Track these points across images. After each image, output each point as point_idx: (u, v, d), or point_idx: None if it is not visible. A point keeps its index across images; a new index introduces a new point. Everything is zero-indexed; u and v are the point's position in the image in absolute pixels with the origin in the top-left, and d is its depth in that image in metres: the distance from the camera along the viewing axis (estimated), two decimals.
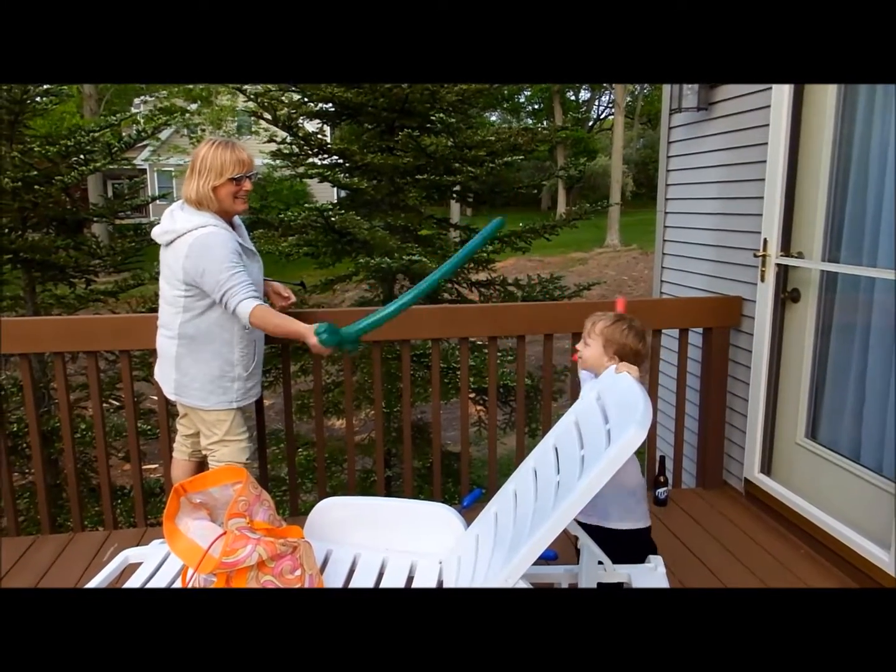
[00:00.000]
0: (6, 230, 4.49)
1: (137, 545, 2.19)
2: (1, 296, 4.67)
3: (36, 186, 4.46)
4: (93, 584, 1.74)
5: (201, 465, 2.58)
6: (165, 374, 2.40)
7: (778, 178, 2.69)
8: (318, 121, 5.27)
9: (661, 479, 2.92)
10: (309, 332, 2.14)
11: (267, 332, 2.34)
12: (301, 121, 4.95)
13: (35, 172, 4.45)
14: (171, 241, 2.24)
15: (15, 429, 4.15)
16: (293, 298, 2.61)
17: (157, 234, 2.30)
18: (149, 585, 1.76)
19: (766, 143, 2.75)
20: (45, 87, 4.70)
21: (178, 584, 1.69)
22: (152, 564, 1.85)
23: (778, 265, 2.75)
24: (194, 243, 2.19)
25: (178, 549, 1.58)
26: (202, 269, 2.18)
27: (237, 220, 2.42)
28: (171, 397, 2.42)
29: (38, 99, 4.67)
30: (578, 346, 2.06)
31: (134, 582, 1.77)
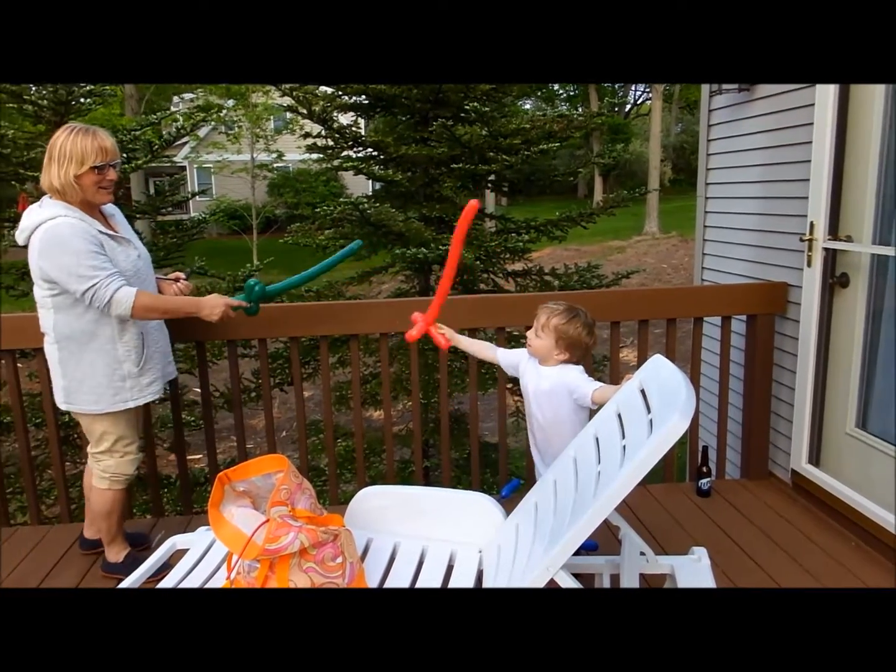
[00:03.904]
0: None
1: (184, 532, 2.24)
2: None
3: None
4: (142, 568, 1.79)
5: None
6: (55, 383, 2.26)
7: (825, 159, 2.61)
8: (352, 113, 5.29)
9: (704, 469, 2.86)
10: (209, 301, 2.21)
11: (157, 317, 2.19)
12: (335, 114, 4.98)
13: None
14: (28, 239, 2.11)
15: (66, 420, 4.27)
16: (182, 275, 2.51)
17: (17, 235, 2.16)
18: (195, 571, 1.80)
19: (812, 124, 2.67)
20: (88, 88, 4.81)
21: (223, 571, 1.73)
22: (199, 550, 1.90)
23: (825, 249, 2.66)
24: (44, 237, 2.05)
25: (222, 535, 1.61)
26: (58, 263, 2.04)
27: (111, 208, 2.29)
28: (62, 406, 2.26)
29: (81, 100, 4.78)
30: (529, 335, 2.11)
31: (181, 567, 1.82)
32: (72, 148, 2.07)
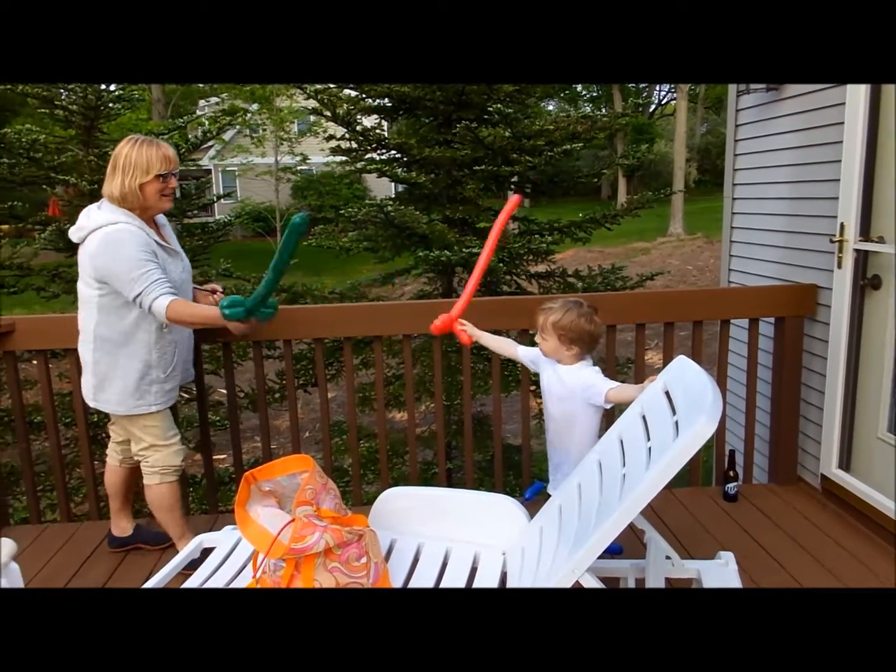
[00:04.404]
0: None
1: (210, 530, 2.27)
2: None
3: None
4: (170, 566, 1.81)
5: (134, 471, 2.52)
6: (85, 381, 2.33)
7: (856, 158, 2.56)
8: (375, 116, 5.31)
9: (731, 473, 2.83)
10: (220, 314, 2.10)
11: (187, 325, 2.27)
12: (359, 116, 5.01)
13: None
14: (83, 239, 2.19)
15: (95, 419, 4.35)
16: (219, 288, 2.57)
17: (72, 232, 2.24)
18: (221, 569, 1.82)
19: (843, 123, 2.63)
20: (117, 93, 4.89)
21: (249, 569, 1.74)
22: (225, 549, 1.91)
23: (856, 250, 2.62)
24: (103, 239, 2.13)
25: (249, 534, 1.62)
26: (112, 267, 2.12)
27: (162, 219, 2.37)
28: (90, 403, 2.35)
29: (110, 105, 4.86)
30: (536, 339, 2.15)
31: (207, 566, 1.83)
32: (137, 158, 2.16)
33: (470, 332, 2.29)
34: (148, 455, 2.35)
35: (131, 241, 2.14)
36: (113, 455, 2.54)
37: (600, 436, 2.03)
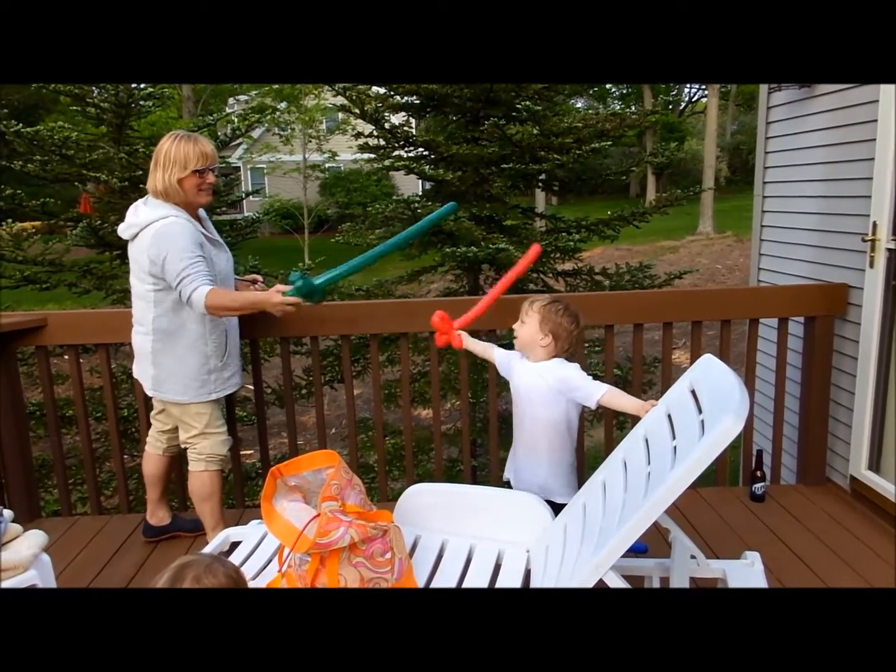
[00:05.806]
0: (115, 227, 4.79)
1: (237, 525, 2.30)
2: (112, 289, 5.00)
3: (141, 185, 4.73)
4: None
5: (174, 460, 2.62)
6: (143, 371, 2.40)
7: (889, 156, 2.51)
8: (403, 113, 5.33)
9: (758, 473, 2.79)
10: (269, 296, 2.19)
11: (226, 312, 2.30)
12: (387, 114, 5.03)
13: (140, 172, 4.72)
14: (135, 235, 2.25)
15: (125, 414, 4.44)
16: (260, 278, 2.60)
17: (121, 229, 2.31)
18: (248, 563, 1.85)
19: (876, 121, 2.58)
20: (148, 91, 4.97)
21: (275, 563, 1.77)
22: (251, 543, 1.95)
23: (889, 250, 2.57)
24: (156, 233, 2.19)
25: (275, 529, 1.65)
26: (163, 258, 2.17)
27: (202, 212, 2.42)
28: (150, 393, 2.42)
29: (141, 103, 4.95)
30: (515, 327, 2.12)
31: (235, 559, 1.86)
32: (175, 153, 2.22)
33: (464, 337, 2.33)
34: (196, 442, 2.42)
35: (182, 233, 2.19)
36: (156, 444, 2.58)
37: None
